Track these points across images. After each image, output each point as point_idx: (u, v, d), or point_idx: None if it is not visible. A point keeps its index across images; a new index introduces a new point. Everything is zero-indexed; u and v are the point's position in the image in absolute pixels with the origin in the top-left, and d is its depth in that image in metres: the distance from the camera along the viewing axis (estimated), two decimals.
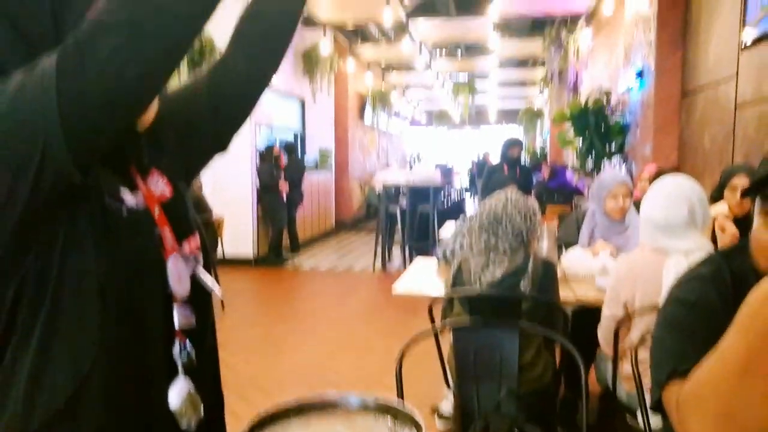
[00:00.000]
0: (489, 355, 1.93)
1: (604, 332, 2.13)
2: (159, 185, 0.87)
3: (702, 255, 1.87)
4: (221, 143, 1.02)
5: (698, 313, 1.06)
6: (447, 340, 2.31)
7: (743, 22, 3.48)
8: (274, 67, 0.99)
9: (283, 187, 7.24)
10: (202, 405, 0.87)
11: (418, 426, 0.92)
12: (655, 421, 1.52)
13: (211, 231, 5.04)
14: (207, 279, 0.89)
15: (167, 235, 0.84)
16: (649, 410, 1.35)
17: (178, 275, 0.84)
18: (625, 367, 2.03)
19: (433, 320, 2.23)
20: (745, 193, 1.08)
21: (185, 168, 0.97)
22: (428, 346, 2.09)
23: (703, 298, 1.06)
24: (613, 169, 5.11)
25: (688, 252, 1.91)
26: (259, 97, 1.01)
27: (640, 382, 1.56)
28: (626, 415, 2.03)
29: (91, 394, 0.77)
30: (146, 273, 0.82)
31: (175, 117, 0.94)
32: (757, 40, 3.28)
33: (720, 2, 3.90)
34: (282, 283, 6.55)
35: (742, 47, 3.49)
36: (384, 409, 1.00)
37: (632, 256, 2.13)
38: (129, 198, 0.81)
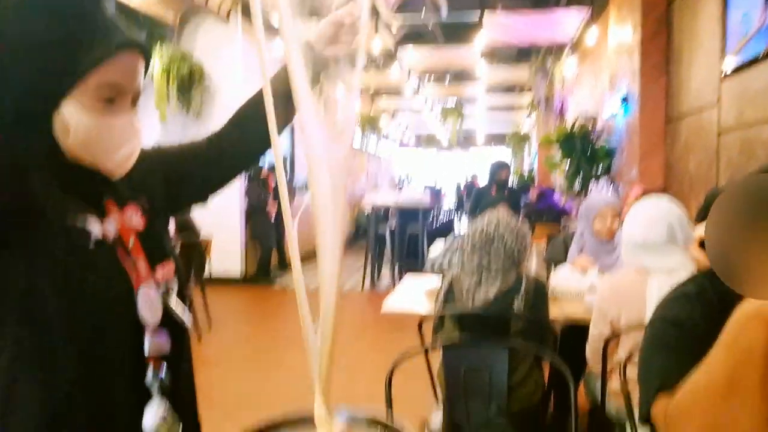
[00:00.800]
0: (479, 373, 1.94)
1: (592, 350, 2.15)
2: (134, 219, 0.89)
3: (685, 274, 1.91)
4: (204, 198, 1.10)
5: (684, 331, 1.08)
6: (436, 358, 2.32)
7: (723, 52, 3.59)
8: (263, 151, 1.09)
9: (272, 208, 7.24)
10: (180, 427, 0.87)
11: None
12: None
13: (198, 252, 5.02)
14: (178, 308, 0.90)
15: (140, 264, 0.85)
16: (637, 423, 1.37)
17: (149, 304, 0.84)
18: (614, 383, 2.05)
19: (422, 337, 2.24)
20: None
21: (166, 211, 1.02)
22: (418, 363, 2.10)
23: (688, 317, 1.09)
24: (601, 191, 5.19)
25: (670, 271, 1.95)
26: (248, 168, 1.15)
27: (629, 398, 1.58)
28: (615, 429, 2.05)
29: (64, 428, 0.77)
30: (116, 304, 0.82)
31: (169, 167, 1.02)
32: (737, 69, 3.39)
33: (701, 33, 4.03)
34: (270, 301, 6.52)
35: (723, 76, 3.60)
36: (374, 424, 1.00)
37: (616, 276, 2.17)
38: (96, 229, 0.81)
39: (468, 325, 2.11)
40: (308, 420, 0.93)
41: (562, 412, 2.72)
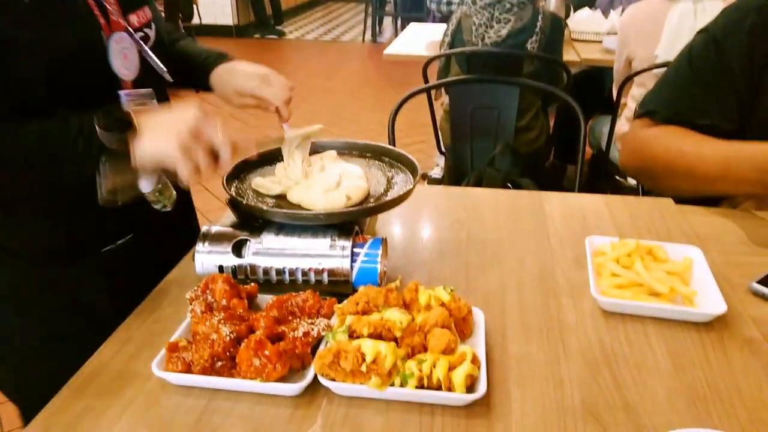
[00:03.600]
0: (487, 113, 1.88)
1: (617, 86, 2.07)
2: None
3: (713, 2, 1.73)
4: None
5: (720, 53, 0.98)
6: (440, 108, 2.23)
7: None
8: None
9: None
10: (174, 191, 0.86)
11: (413, 168, 0.90)
12: None
13: None
14: (155, 58, 0.82)
15: (111, 7, 0.76)
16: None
17: (122, 55, 0.77)
18: (623, 126, 2.00)
19: (427, 80, 2.12)
20: None
21: None
22: (418, 119, 2.01)
23: (735, 38, 0.96)
24: None
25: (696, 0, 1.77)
26: None
27: None
28: (616, 176, 2.07)
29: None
30: (88, 54, 0.74)
31: None
32: None
33: None
34: (266, 53, 6.26)
35: None
36: (379, 153, 0.97)
37: (637, 7, 1.97)
38: None
39: (477, 67, 1.98)
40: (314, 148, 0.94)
41: (561, 161, 2.78)
